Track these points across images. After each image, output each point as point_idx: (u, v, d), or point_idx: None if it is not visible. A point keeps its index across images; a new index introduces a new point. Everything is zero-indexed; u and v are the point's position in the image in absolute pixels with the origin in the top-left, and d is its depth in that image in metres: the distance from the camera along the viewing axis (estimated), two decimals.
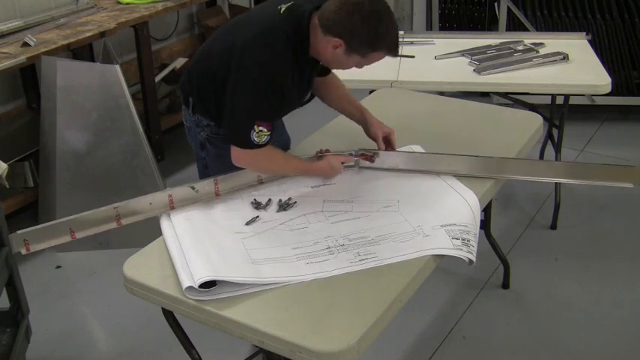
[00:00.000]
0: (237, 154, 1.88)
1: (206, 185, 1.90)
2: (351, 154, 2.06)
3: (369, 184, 1.99)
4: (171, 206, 1.84)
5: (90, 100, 2.94)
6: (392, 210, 1.86)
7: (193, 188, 1.88)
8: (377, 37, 1.78)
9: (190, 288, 1.53)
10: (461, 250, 1.69)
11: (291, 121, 2.29)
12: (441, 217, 1.80)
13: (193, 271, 1.55)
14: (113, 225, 1.82)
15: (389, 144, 2.10)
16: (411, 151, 2.12)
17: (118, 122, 2.98)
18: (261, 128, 1.81)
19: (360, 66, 1.89)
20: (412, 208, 1.86)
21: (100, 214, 1.82)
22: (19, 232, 1.78)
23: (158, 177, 3.12)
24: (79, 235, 1.81)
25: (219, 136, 2.05)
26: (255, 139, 1.82)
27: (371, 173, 2.05)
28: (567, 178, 2.09)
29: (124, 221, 1.83)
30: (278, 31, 1.82)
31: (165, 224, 1.79)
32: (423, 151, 2.11)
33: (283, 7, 1.87)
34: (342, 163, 2.01)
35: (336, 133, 2.33)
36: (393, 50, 1.83)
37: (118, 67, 2.91)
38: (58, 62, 2.91)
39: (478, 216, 1.85)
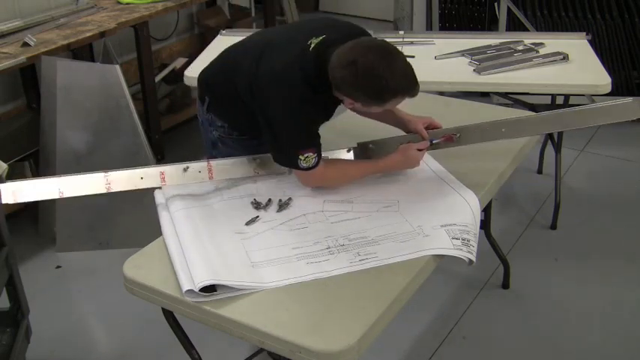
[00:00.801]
0: (301, 177, 1.95)
1: (200, 168, 1.91)
2: (432, 140, 2.04)
3: (370, 184, 1.99)
4: (163, 184, 1.90)
5: (90, 100, 2.94)
6: (392, 210, 1.86)
7: (186, 169, 1.89)
8: (380, 90, 1.75)
9: (190, 291, 1.53)
10: (461, 250, 1.69)
11: None
12: (441, 217, 1.80)
13: (194, 274, 1.55)
14: (102, 190, 1.83)
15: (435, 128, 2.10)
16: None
17: (118, 122, 2.97)
18: (306, 155, 1.85)
19: (387, 108, 1.89)
20: (412, 208, 1.86)
21: (90, 178, 1.86)
22: (9, 182, 1.77)
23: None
24: (66, 194, 1.81)
25: (231, 137, 2.07)
26: (304, 164, 1.86)
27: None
28: (571, 127, 2.09)
29: (114, 187, 1.84)
30: (297, 72, 1.81)
31: (165, 220, 1.79)
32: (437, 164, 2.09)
33: (313, 43, 1.84)
34: (420, 150, 2.00)
35: (342, 129, 2.33)
36: (407, 91, 1.80)
37: (118, 67, 2.91)
38: (58, 62, 2.91)
39: (478, 216, 1.85)
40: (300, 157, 1.84)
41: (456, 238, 1.72)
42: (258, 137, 2.03)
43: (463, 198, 1.88)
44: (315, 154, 1.86)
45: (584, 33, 3.25)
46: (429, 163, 2.07)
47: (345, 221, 1.81)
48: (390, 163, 2.00)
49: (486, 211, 2.60)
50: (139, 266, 1.65)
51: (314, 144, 1.87)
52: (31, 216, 3.14)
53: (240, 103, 1.94)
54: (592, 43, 3.22)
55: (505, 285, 2.77)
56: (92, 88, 2.93)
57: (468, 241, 1.72)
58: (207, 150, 2.19)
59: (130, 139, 2.99)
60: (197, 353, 1.72)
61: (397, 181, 2.01)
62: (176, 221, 1.78)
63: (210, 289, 1.53)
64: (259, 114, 1.88)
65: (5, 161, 2.37)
